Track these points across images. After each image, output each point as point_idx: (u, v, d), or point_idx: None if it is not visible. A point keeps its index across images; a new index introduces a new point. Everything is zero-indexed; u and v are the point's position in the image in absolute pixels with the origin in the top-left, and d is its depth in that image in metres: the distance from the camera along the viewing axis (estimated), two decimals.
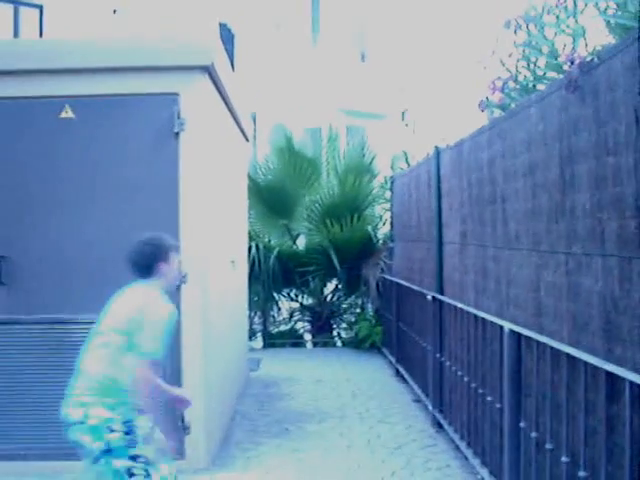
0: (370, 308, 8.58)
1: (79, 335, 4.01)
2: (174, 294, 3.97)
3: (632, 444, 2.13)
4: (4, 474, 3.90)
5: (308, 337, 9.08)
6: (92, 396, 2.66)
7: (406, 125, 15.42)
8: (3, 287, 4.01)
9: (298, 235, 8.92)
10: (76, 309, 4.01)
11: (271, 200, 8.52)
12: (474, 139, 4.21)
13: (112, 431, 2.59)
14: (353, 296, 8.89)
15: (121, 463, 2.60)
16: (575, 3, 2.95)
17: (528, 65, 3.46)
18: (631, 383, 2.12)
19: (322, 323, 8.84)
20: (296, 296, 8.97)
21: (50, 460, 3.96)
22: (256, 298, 8.31)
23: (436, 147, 5.24)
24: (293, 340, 8.75)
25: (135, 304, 2.74)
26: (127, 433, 2.61)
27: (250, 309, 7.78)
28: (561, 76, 2.94)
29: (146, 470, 2.60)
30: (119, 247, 3.99)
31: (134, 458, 2.60)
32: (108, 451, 2.60)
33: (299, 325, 9.13)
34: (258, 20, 15.62)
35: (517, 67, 3.51)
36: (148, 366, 2.63)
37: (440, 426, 4.73)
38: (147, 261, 2.81)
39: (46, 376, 4.00)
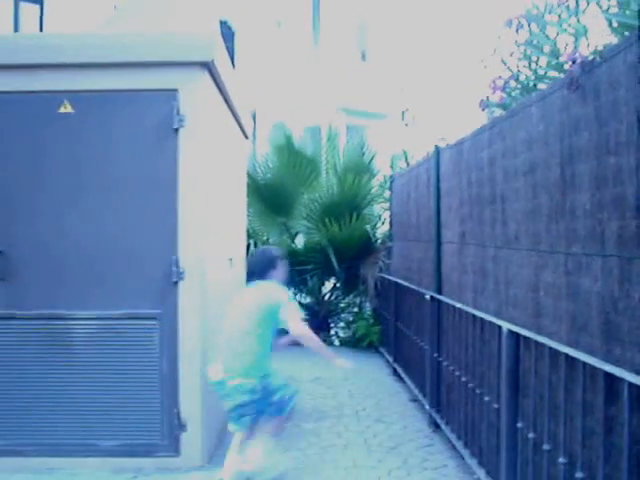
0: (368, 307, 8.57)
1: (76, 331, 4.01)
2: (171, 290, 3.97)
3: (630, 445, 2.12)
4: None
5: None
6: (237, 367, 3.53)
7: (406, 125, 15.42)
8: (0, 282, 4.00)
9: (297, 234, 8.91)
10: (73, 305, 3.99)
11: (270, 198, 8.51)
12: (474, 138, 4.20)
13: (245, 393, 3.51)
14: (351, 295, 8.87)
15: (249, 416, 3.59)
16: (577, 2, 2.94)
17: (529, 64, 3.45)
18: (630, 384, 2.11)
19: (320, 322, 8.82)
20: (294, 295, 8.96)
21: (45, 456, 3.95)
22: None
23: (436, 146, 5.22)
24: None
25: (263, 297, 3.65)
26: (255, 396, 3.52)
27: None
28: (562, 75, 2.92)
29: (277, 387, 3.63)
30: (117, 242, 4.01)
31: (257, 412, 3.61)
32: (240, 406, 3.54)
33: None
34: (259, 18, 15.61)
35: (518, 66, 3.50)
36: (303, 325, 3.64)
37: (437, 426, 4.72)
38: (263, 269, 3.79)
39: (42, 372, 3.99)
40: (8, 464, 3.93)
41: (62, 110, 3.99)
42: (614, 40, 2.66)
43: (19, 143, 4.01)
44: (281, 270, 3.86)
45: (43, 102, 3.99)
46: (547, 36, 3.22)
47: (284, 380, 3.77)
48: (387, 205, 8.36)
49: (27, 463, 3.93)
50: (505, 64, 3.55)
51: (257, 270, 3.81)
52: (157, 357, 3.98)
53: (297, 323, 3.59)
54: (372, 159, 8.95)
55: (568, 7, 3.02)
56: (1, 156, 4.03)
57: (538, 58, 3.36)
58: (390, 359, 6.86)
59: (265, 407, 3.64)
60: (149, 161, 4.00)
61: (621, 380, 2.17)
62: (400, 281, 6.47)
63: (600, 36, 2.80)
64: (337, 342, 8.85)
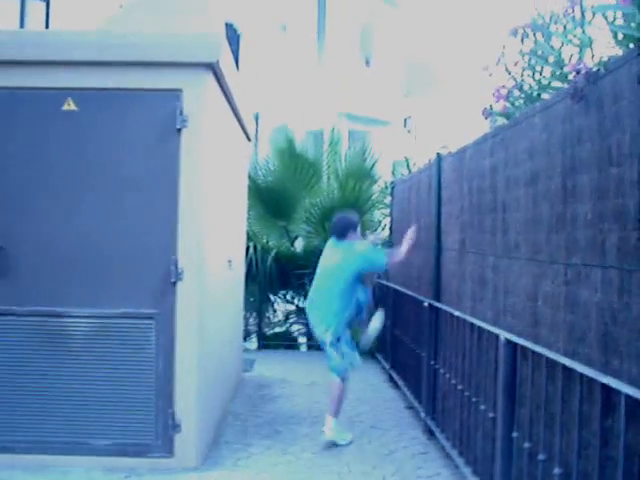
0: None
1: (73, 328, 4.00)
2: (169, 290, 3.96)
3: (626, 457, 2.11)
4: None
5: (303, 340, 9.05)
6: (323, 318, 4.66)
7: (408, 131, 15.42)
8: None
9: (296, 237, 8.90)
10: (71, 302, 3.99)
11: (271, 201, 8.51)
12: (476, 147, 4.20)
13: (323, 339, 4.69)
14: None
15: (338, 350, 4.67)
16: (583, 13, 2.94)
17: (533, 74, 3.45)
18: (627, 396, 2.11)
19: None
20: (292, 298, 8.94)
21: (37, 454, 3.94)
22: (252, 299, 8.29)
23: (437, 154, 5.22)
24: (288, 342, 8.72)
25: (342, 257, 4.63)
26: (339, 339, 4.63)
27: (246, 310, 7.76)
28: (566, 86, 2.93)
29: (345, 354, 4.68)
30: (117, 241, 4.00)
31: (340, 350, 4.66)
32: (333, 344, 4.64)
33: (294, 327, 9.09)
34: (264, 22, 15.62)
35: (522, 76, 3.50)
36: (391, 262, 4.77)
37: (432, 434, 4.70)
38: (343, 230, 4.74)
39: (37, 369, 3.98)
40: (0, 460, 3.91)
41: (66, 107, 3.99)
42: (619, 52, 2.66)
43: (22, 140, 4.01)
44: (358, 233, 4.82)
45: (47, 99, 3.99)
46: (552, 46, 3.22)
47: (351, 343, 4.73)
48: (388, 211, 8.36)
49: (19, 460, 3.91)
50: (509, 73, 3.55)
51: (338, 230, 4.77)
52: (153, 357, 3.97)
53: (389, 260, 4.74)
54: (374, 165, 8.95)
55: (574, 18, 3.02)
56: (3, 152, 4.03)
57: (542, 68, 3.36)
58: (386, 365, 6.85)
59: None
60: (151, 161, 4.00)
61: (618, 392, 2.16)
62: (398, 288, 6.46)
63: (605, 48, 2.80)
64: None
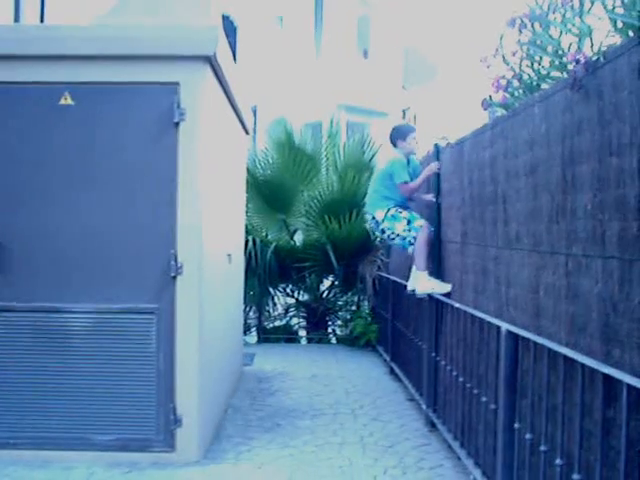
0: (366, 306, 8.56)
1: (73, 324, 4.00)
2: (169, 284, 3.95)
3: (627, 447, 2.11)
4: None
5: (303, 333, 9.06)
6: (379, 206, 5.38)
7: (407, 123, 15.31)
8: None
9: (296, 230, 8.89)
10: (71, 298, 3.98)
11: (269, 194, 8.50)
12: (475, 138, 4.18)
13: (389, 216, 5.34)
14: (349, 293, 8.87)
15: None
16: (582, 2, 2.91)
17: (532, 64, 3.42)
18: (628, 386, 2.10)
19: (317, 319, 8.82)
20: (292, 292, 8.95)
21: (39, 449, 3.94)
22: (252, 292, 8.29)
23: (435, 145, 5.20)
24: (288, 336, 8.73)
25: (385, 160, 5.58)
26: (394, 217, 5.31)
27: (245, 303, 7.76)
28: (565, 75, 2.91)
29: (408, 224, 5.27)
30: (116, 236, 3.99)
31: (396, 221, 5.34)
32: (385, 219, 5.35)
33: (294, 321, 9.10)
34: (261, 13, 15.55)
35: (521, 66, 3.47)
36: (403, 185, 5.22)
37: (434, 425, 4.71)
38: (393, 137, 5.40)
39: (38, 365, 3.98)
40: (3, 456, 3.91)
41: (62, 102, 3.97)
42: (619, 41, 2.64)
43: (19, 135, 3.99)
44: (410, 144, 5.32)
45: (44, 94, 3.97)
46: (550, 36, 3.19)
47: (405, 223, 5.25)
48: None
49: (20, 456, 3.92)
50: (508, 64, 3.52)
51: (390, 138, 5.41)
52: (154, 352, 3.97)
53: (406, 183, 5.20)
54: (373, 157, 8.93)
55: (572, 6, 2.99)
56: (0, 147, 4.01)
57: (541, 58, 3.34)
58: (387, 358, 6.86)
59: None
60: (149, 155, 3.98)
61: (620, 382, 2.16)
62: (399, 280, 6.45)
63: (605, 37, 2.78)
64: (334, 340, 8.84)
